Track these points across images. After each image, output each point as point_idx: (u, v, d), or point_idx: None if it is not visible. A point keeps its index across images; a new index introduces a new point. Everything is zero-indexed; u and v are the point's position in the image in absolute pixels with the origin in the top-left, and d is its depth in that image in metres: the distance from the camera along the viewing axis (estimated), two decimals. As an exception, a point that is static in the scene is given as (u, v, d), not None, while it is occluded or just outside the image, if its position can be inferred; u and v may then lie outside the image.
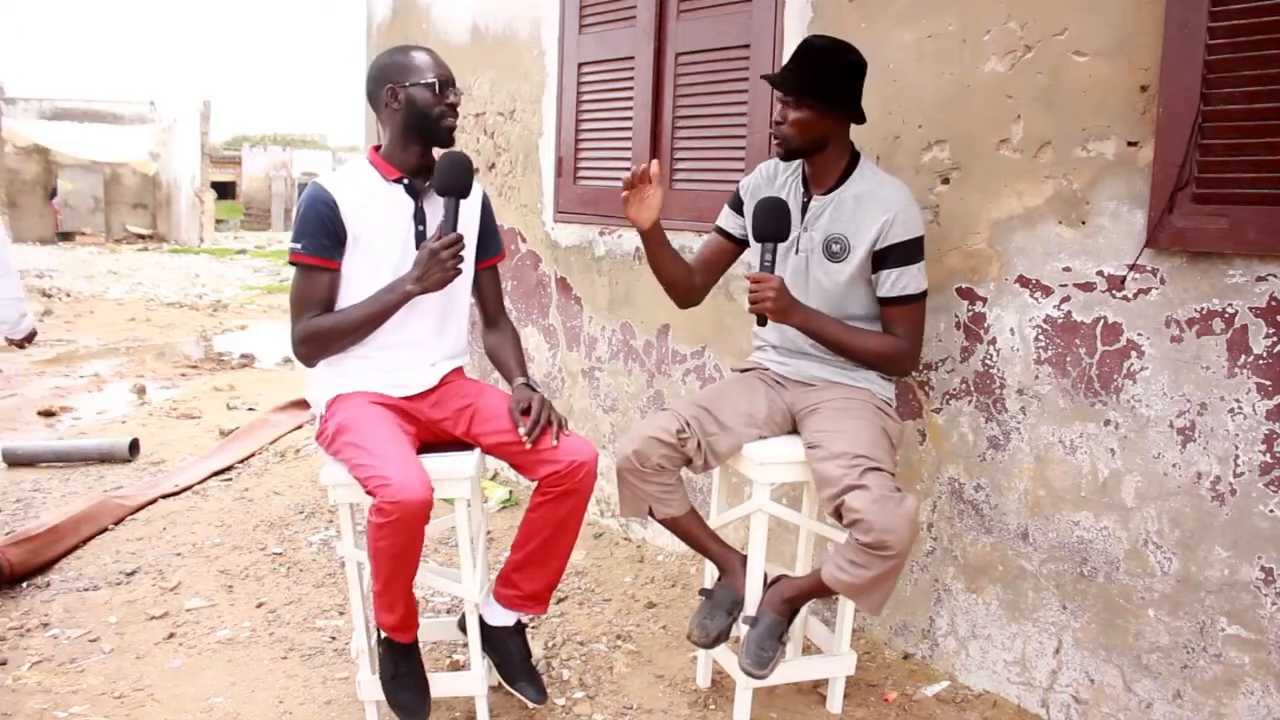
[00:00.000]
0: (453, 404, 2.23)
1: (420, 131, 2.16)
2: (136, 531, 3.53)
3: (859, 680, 2.43)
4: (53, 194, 22.47)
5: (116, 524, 3.60)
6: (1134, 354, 2.06)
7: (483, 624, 2.25)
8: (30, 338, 3.20)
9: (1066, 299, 2.16)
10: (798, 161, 2.26)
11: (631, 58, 3.28)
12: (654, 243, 2.25)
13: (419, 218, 2.19)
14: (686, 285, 2.36)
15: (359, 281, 2.14)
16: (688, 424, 2.16)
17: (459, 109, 2.22)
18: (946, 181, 2.38)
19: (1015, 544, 2.30)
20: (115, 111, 25.04)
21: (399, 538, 1.92)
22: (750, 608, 2.18)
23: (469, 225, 2.25)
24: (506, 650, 2.28)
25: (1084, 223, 2.12)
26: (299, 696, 2.40)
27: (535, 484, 2.16)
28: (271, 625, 2.79)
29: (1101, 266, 2.10)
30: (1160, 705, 2.05)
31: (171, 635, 2.71)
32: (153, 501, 3.85)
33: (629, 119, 3.31)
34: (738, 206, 2.35)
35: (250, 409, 5.72)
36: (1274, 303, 1.84)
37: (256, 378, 6.89)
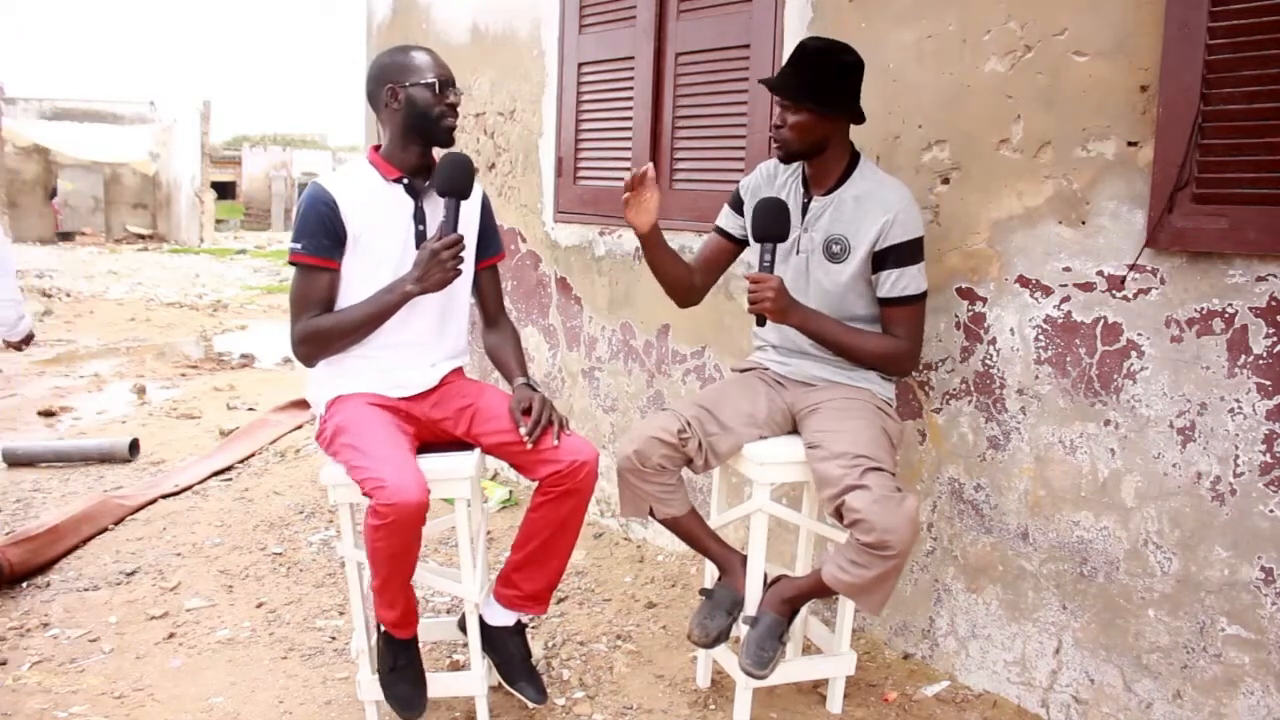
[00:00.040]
0: (453, 404, 2.23)
1: (420, 131, 2.15)
2: (136, 531, 3.53)
3: (859, 680, 2.43)
4: (53, 194, 22.47)
5: (116, 524, 3.60)
6: (1134, 354, 2.06)
7: (483, 624, 2.25)
8: (28, 340, 3.20)
9: (1066, 299, 2.16)
10: (798, 162, 2.26)
11: (631, 58, 3.28)
12: (653, 245, 2.26)
13: (419, 217, 2.19)
14: (686, 285, 2.36)
15: (359, 281, 2.14)
16: (689, 424, 2.16)
17: (459, 109, 2.22)
18: (946, 181, 2.38)
19: (1015, 544, 2.30)
20: (115, 111, 25.05)
21: (395, 539, 1.92)
22: (750, 608, 2.18)
23: (469, 225, 2.25)
24: (506, 650, 2.28)
25: (1084, 223, 2.12)
26: (299, 696, 2.40)
27: (536, 484, 2.16)
28: (271, 625, 2.79)
29: (1101, 266, 2.10)
30: (1160, 705, 2.05)
31: (171, 635, 2.71)
32: (153, 501, 3.85)
33: (629, 119, 3.31)
34: (738, 206, 2.35)
35: (250, 409, 5.72)
36: (1274, 303, 1.84)
37: (256, 378, 6.89)
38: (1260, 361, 1.87)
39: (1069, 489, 2.19)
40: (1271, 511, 1.87)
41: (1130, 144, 2.03)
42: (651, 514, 2.23)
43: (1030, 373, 2.24)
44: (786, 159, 2.21)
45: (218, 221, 25.52)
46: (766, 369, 2.35)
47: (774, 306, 2.08)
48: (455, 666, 2.54)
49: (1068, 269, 2.15)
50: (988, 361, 2.33)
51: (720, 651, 2.30)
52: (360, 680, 2.19)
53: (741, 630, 2.18)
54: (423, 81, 2.13)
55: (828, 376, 2.25)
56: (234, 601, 2.94)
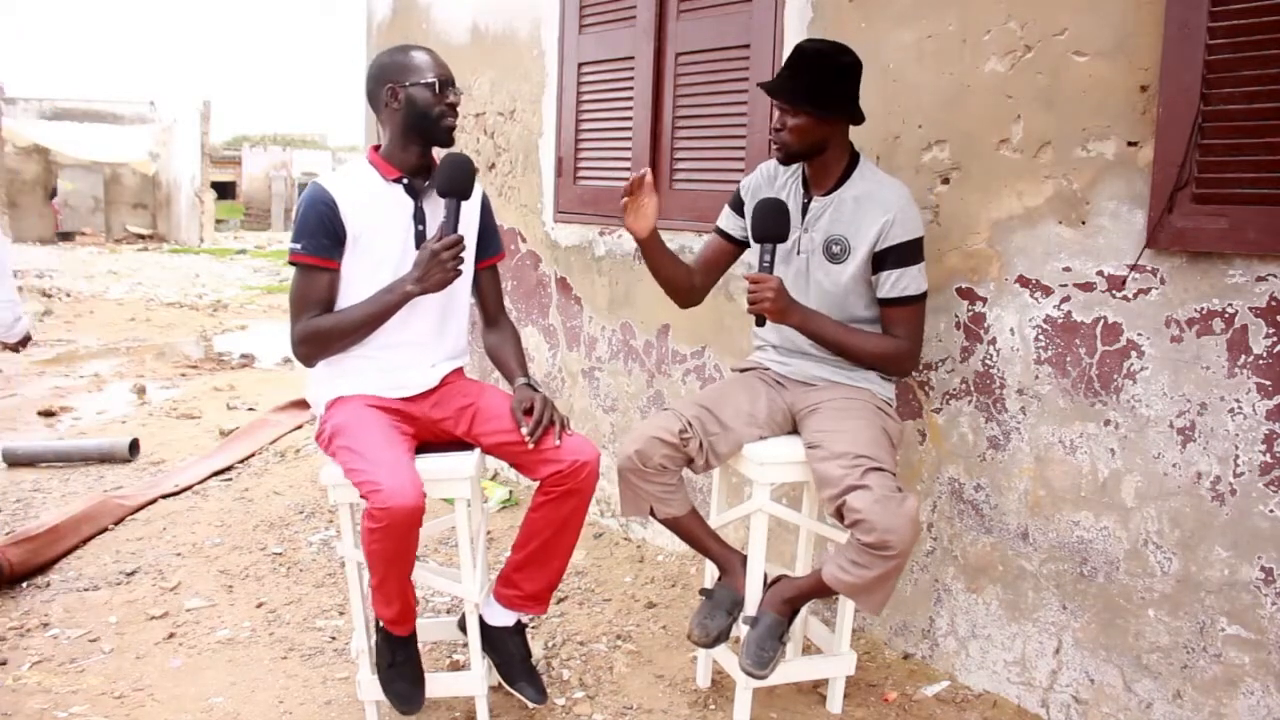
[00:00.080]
0: (453, 404, 2.23)
1: (420, 131, 2.15)
2: (136, 531, 3.53)
3: (859, 680, 2.43)
4: (53, 194, 22.47)
5: (116, 524, 3.60)
6: (1134, 354, 2.06)
7: (483, 624, 2.25)
8: (25, 342, 3.20)
9: (1066, 299, 2.16)
10: (797, 163, 2.26)
11: (631, 58, 3.28)
12: (652, 249, 2.26)
13: (419, 217, 2.19)
14: (686, 287, 2.37)
15: (359, 281, 2.14)
16: (690, 424, 2.16)
17: (459, 109, 2.22)
18: (946, 181, 2.38)
19: (1015, 544, 2.30)
20: (115, 111, 25.05)
21: (390, 543, 1.92)
22: (750, 608, 2.18)
23: (469, 225, 2.25)
24: (506, 650, 2.29)
25: (1084, 223, 2.12)
26: (299, 696, 2.40)
27: (536, 484, 2.16)
28: (271, 625, 2.79)
29: (1101, 266, 2.10)
30: (1160, 705, 2.05)
31: (171, 635, 2.71)
32: (153, 501, 3.85)
33: (629, 119, 3.31)
34: (738, 207, 2.35)
35: (250, 409, 5.72)
36: (1274, 303, 1.84)
37: (256, 378, 6.89)
38: (1260, 361, 1.87)
39: (1069, 489, 2.19)
40: (1271, 511, 1.87)
41: (1130, 144, 2.03)
42: (652, 514, 2.23)
43: (1030, 373, 2.24)
44: (786, 161, 2.21)
45: (218, 221, 25.52)
46: (767, 369, 2.35)
47: (773, 307, 2.08)
48: (455, 666, 2.54)
49: (1068, 269, 2.15)
50: (988, 361, 2.33)
51: (720, 651, 2.31)
52: (360, 680, 2.19)
53: (741, 630, 2.18)
54: (423, 81, 2.13)
55: (828, 376, 2.25)
56: (234, 601, 2.94)
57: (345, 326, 2.13)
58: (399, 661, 2.15)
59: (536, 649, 2.57)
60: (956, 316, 2.38)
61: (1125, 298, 2.06)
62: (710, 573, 2.38)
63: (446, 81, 2.16)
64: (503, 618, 2.28)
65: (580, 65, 3.51)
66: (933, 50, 2.38)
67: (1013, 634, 2.32)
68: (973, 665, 2.42)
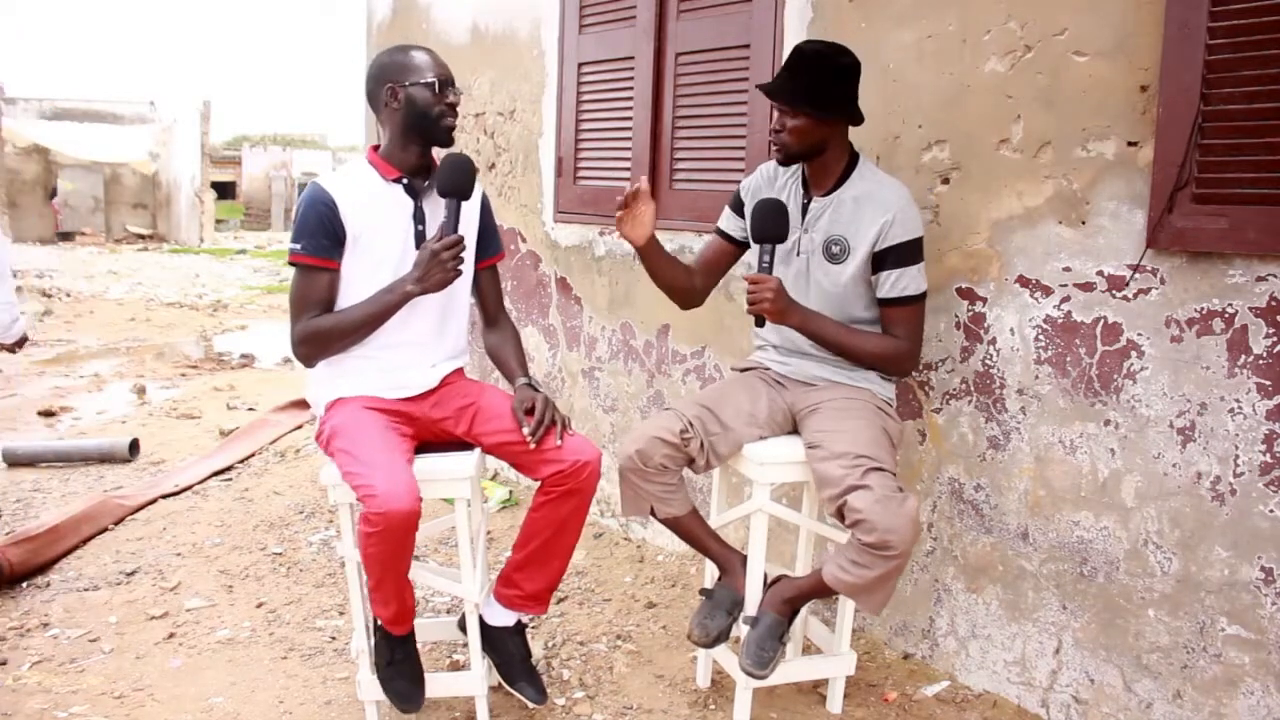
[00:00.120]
0: (454, 403, 2.23)
1: (420, 131, 2.15)
2: (136, 531, 3.53)
3: (859, 680, 2.43)
4: (53, 194, 22.47)
5: (116, 524, 3.60)
6: (1134, 354, 2.06)
7: (483, 624, 2.25)
8: (21, 343, 3.20)
9: (1066, 299, 2.16)
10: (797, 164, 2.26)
11: (631, 58, 3.28)
12: (650, 255, 2.26)
13: (418, 217, 2.19)
14: (686, 289, 2.37)
15: (359, 281, 2.14)
16: (691, 424, 2.16)
17: (459, 109, 2.22)
18: (946, 181, 2.38)
19: (1015, 544, 2.30)
20: (115, 111, 25.05)
21: (386, 546, 1.93)
22: (750, 608, 2.18)
23: (469, 225, 2.25)
24: (506, 650, 2.29)
25: (1084, 223, 2.12)
26: (299, 696, 2.40)
27: (537, 484, 2.16)
28: (271, 625, 2.79)
29: (1101, 266, 2.10)
30: (1160, 705, 2.05)
31: (171, 635, 2.71)
32: (153, 501, 3.85)
33: (629, 119, 3.31)
34: (738, 208, 2.35)
35: (250, 409, 5.72)
36: (1274, 303, 1.84)
37: (256, 378, 6.89)
38: (1260, 361, 1.87)
39: (1069, 489, 2.19)
40: (1271, 511, 1.87)
41: (1130, 144, 2.03)
42: (652, 513, 2.23)
43: (1030, 373, 2.24)
44: (785, 162, 2.21)
45: (218, 221, 25.52)
46: (767, 369, 2.35)
47: (773, 307, 2.08)
48: (455, 666, 2.54)
49: (1068, 269, 2.15)
50: (988, 361, 2.33)
51: (720, 651, 2.31)
52: (360, 680, 2.19)
53: (741, 630, 2.18)
54: (422, 81, 2.13)
55: (828, 376, 2.25)
56: (234, 601, 2.95)
57: (345, 326, 2.13)
58: (398, 660, 2.15)
59: (536, 649, 2.57)
60: (956, 316, 2.38)
61: (1125, 298, 2.06)
62: (710, 573, 2.38)
63: (446, 81, 2.16)
64: (503, 618, 2.28)
65: (580, 65, 3.51)
66: (933, 50, 2.38)
67: (1013, 634, 2.32)
68: (973, 665, 2.42)
